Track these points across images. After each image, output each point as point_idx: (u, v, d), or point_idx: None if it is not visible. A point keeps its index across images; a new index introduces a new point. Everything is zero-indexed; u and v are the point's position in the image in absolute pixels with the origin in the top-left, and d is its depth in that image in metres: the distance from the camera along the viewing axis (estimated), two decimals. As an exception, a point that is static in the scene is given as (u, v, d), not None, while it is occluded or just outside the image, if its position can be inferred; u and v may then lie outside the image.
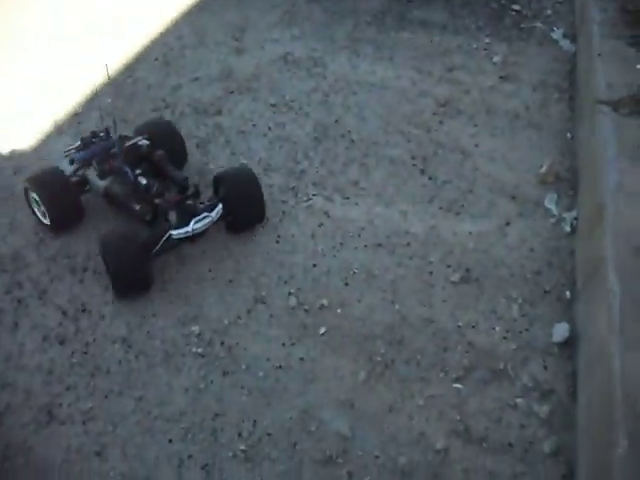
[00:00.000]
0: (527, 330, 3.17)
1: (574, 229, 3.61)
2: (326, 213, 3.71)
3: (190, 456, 2.76)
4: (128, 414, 2.89)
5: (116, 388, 2.99)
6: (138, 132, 3.82)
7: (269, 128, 4.32)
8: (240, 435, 2.80)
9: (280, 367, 3.02)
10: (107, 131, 3.74)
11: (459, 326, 3.18)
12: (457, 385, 2.97)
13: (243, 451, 2.76)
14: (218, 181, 3.55)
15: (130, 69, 4.95)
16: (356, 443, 2.78)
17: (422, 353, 3.08)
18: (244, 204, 3.52)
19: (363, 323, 3.19)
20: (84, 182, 3.68)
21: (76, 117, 4.51)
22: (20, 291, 3.40)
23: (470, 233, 3.61)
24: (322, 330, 3.15)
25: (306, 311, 3.23)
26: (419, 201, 3.79)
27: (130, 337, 3.16)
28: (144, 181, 3.43)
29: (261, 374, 3.00)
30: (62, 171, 3.65)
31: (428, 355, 3.07)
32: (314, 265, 3.43)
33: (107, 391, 2.98)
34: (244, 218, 3.58)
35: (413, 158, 4.07)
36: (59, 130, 4.41)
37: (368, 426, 2.83)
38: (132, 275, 3.26)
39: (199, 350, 3.09)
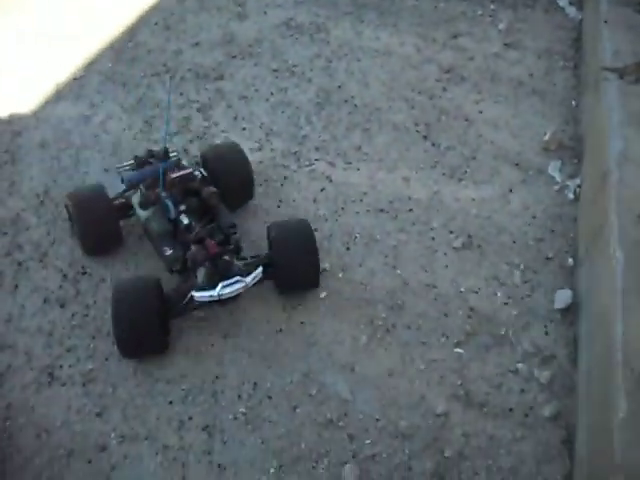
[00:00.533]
0: (529, 296, 3.17)
1: (577, 196, 3.59)
2: (328, 178, 3.69)
3: (190, 418, 2.76)
4: (129, 376, 2.89)
5: (117, 350, 2.98)
6: (203, 157, 3.46)
7: (271, 93, 4.28)
8: (240, 397, 2.81)
9: (280, 330, 3.02)
10: (166, 152, 3.28)
11: (461, 291, 3.17)
12: (458, 350, 2.97)
13: (243, 413, 2.77)
14: (270, 232, 3.09)
15: (131, 33, 4.89)
16: (357, 406, 2.78)
17: (423, 318, 3.07)
18: (294, 265, 3.02)
19: (364, 287, 3.18)
20: (128, 206, 3.28)
21: (76, 81, 4.46)
22: (20, 254, 3.39)
23: (473, 199, 3.59)
24: (323, 294, 3.15)
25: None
26: (422, 167, 3.76)
27: (131, 300, 3.15)
28: (185, 221, 2.99)
29: (262, 337, 2.99)
30: (105, 191, 3.28)
31: (429, 320, 3.07)
32: (315, 229, 3.39)
33: (107, 353, 2.97)
34: (292, 280, 3.10)
35: (416, 124, 4.04)
36: (59, 94, 4.36)
37: (369, 390, 2.84)
38: (142, 338, 2.83)
39: (200, 313, 3.08)
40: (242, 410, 2.77)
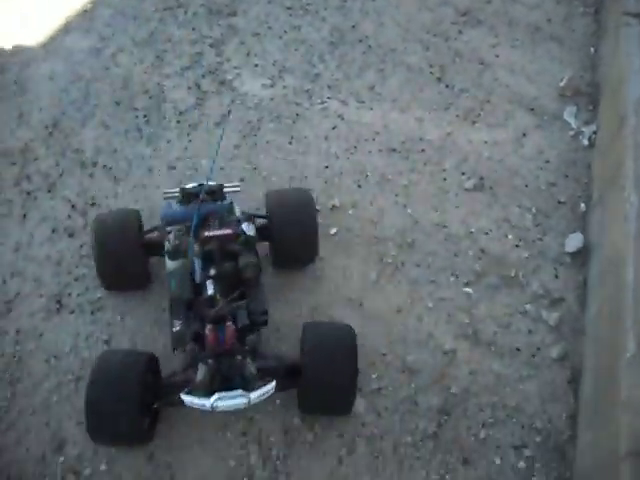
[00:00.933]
0: (540, 239, 3.15)
1: (592, 143, 3.54)
2: (340, 116, 3.63)
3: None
4: (136, 306, 2.89)
5: (125, 280, 2.98)
6: (268, 201, 2.89)
7: (285, 31, 4.19)
8: (249, 329, 2.81)
9: (290, 266, 3.01)
10: (221, 189, 2.82)
11: (471, 232, 3.16)
12: (467, 289, 2.96)
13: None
14: (305, 334, 2.52)
15: (142, -33, 4.78)
16: (365, 341, 2.77)
17: (433, 257, 3.06)
18: (328, 388, 2.42)
19: (374, 225, 3.17)
20: (162, 244, 2.65)
21: (86, 14, 4.37)
22: (29, 184, 3.37)
23: (486, 142, 3.54)
24: (333, 230, 3.13)
25: (317, 211, 3.18)
26: (435, 108, 3.71)
27: (140, 231, 3.14)
28: (210, 290, 2.47)
29: (270, 270, 2.97)
30: (138, 219, 2.84)
31: (439, 259, 3.06)
32: (326, 167, 3.38)
33: (116, 282, 2.98)
34: (320, 405, 2.54)
35: (431, 66, 3.96)
36: (68, 26, 4.28)
37: (377, 325, 2.84)
38: (118, 430, 2.35)
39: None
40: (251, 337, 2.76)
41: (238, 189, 2.91)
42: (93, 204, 3.25)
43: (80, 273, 3.01)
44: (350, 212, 3.20)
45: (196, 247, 2.54)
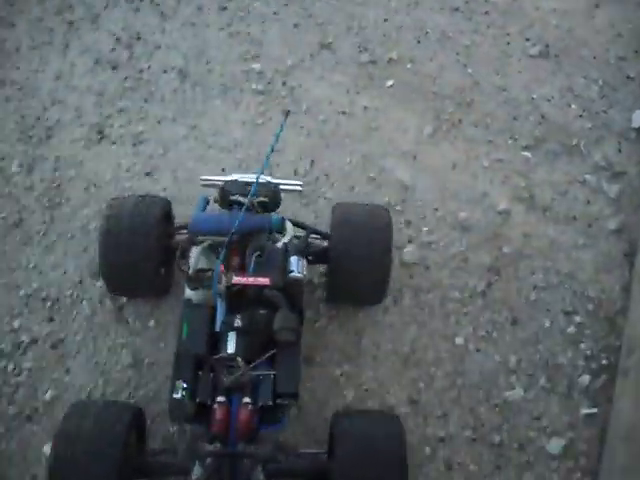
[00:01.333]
0: (605, 112, 2.98)
1: (670, 18, 3.33)
2: (401, -30, 3.42)
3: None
4: (180, 140, 2.79)
5: (169, 115, 2.86)
6: (334, 216, 2.24)
7: None
8: (296, 173, 2.70)
9: (343, 113, 2.87)
10: (275, 193, 2.16)
11: (533, 98, 2.99)
12: (526, 153, 2.83)
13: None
14: (336, 428, 1.93)
15: None
16: (416, 194, 2.67)
17: (492, 118, 2.91)
18: None
19: (433, 81, 3.00)
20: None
21: None
22: (72, 14, 3.21)
23: (554, 10, 3.32)
24: (389, 82, 2.98)
25: (374, 62, 3.03)
26: (502, -28, 3.48)
27: (187, 68, 3.00)
28: (230, 347, 1.90)
29: (322, 117, 2.85)
30: (168, 211, 2.28)
31: (498, 121, 2.91)
32: (385, 20, 3.18)
33: (160, 117, 2.86)
34: None
35: None
36: None
37: (430, 179, 2.72)
38: None
39: (259, 87, 2.93)
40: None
41: (300, 188, 2.34)
42: (139, 38, 3.10)
43: (123, 105, 2.90)
44: (408, 66, 3.04)
45: (223, 280, 1.95)
